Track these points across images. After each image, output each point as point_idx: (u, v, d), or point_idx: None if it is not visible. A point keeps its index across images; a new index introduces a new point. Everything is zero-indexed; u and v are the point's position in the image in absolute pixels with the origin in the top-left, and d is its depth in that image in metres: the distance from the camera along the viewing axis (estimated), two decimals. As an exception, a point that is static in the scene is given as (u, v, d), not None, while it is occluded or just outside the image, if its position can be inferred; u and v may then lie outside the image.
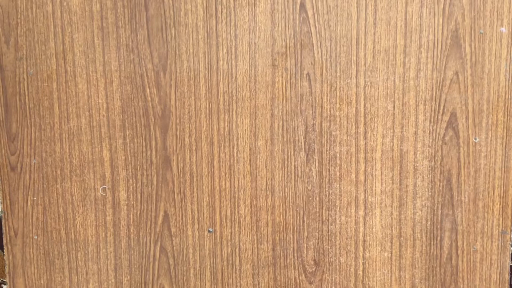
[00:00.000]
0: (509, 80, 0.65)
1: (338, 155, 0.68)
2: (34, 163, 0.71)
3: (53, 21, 0.68)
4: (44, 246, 0.73)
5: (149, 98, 0.69)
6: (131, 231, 0.72)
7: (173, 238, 0.71)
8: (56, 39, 0.69)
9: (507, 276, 0.68)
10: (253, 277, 0.71)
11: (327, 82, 0.67)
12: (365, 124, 0.67)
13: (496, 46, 0.64)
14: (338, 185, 0.68)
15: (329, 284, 0.70)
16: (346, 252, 0.69)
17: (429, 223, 0.68)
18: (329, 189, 0.68)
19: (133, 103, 0.69)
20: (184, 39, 0.67)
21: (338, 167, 0.68)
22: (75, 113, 0.70)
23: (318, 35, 0.66)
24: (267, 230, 0.70)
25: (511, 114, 0.65)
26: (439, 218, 0.68)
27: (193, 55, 0.68)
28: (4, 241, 0.73)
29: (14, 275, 0.74)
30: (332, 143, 0.68)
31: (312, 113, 0.68)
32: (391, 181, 0.68)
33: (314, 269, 0.70)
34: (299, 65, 0.67)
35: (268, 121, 0.68)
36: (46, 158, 0.71)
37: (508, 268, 0.68)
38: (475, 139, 0.66)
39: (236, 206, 0.70)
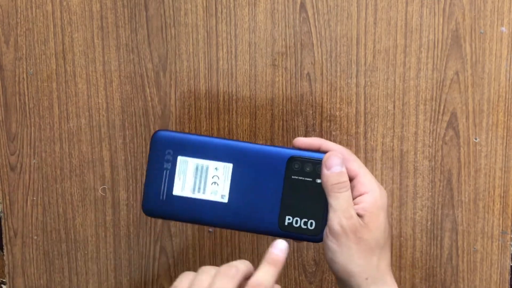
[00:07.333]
0: (509, 80, 0.65)
1: (338, 155, 0.68)
2: (34, 163, 0.71)
3: (52, 20, 0.68)
4: (44, 246, 0.73)
5: (149, 98, 0.69)
6: (131, 231, 0.72)
7: (173, 238, 0.71)
8: (56, 39, 0.69)
9: (507, 276, 0.68)
10: (253, 277, 0.71)
11: (327, 82, 0.67)
12: (365, 124, 0.67)
13: (496, 46, 0.64)
14: (338, 185, 0.67)
15: (329, 284, 0.70)
16: (346, 252, 0.69)
17: (429, 223, 0.68)
18: (329, 189, 0.68)
19: (133, 103, 0.69)
20: (184, 39, 0.67)
21: (338, 167, 0.67)
22: (75, 113, 0.70)
23: (318, 35, 0.66)
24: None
25: (511, 114, 0.65)
26: (439, 218, 0.68)
27: (193, 55, 0.68)
28: (4, 241, 0.73)
29: (14, 275, 0.74)
30: (332, 143, 0.67)
31: (312, 113, 0.67)
32: (391, 181, 0.67)
33: (314, 269, 0.70)
34: (299, 65, 0.67)
35: (268, 121, 0.68)
36: (46, 158, 0.71)
37: (508, 268, 0.68)
38: (476, 139, 0.66)
39: (236, 206, 0.70)
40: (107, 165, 0.71)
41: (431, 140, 0.67)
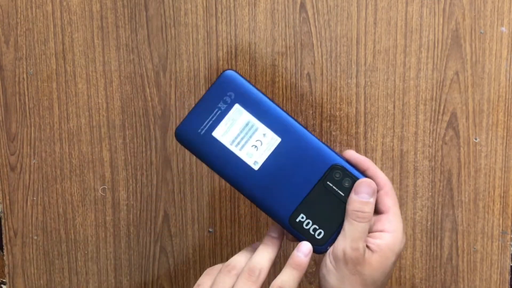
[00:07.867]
0: (509, 80, 0.65)
1: (338, 155, 0.68)
2: (34, 163, 0.71)
3: (53, 21, 0.68)
4: (44, 246, 0.73)
5: (149, 98, 0.69)
6: (131, 231, 0.72)
7: (173, 238, 0.71)
8: (56, 39, 0.69)
9: (507, 276, 0.68)
10: (253, 277, 0.71)
11: (327, 82, 0.67)
12: (365, 124, 0.67)
13: (496, 46, 0.64)
14: (338, 185, 0.67)
15: (329, 284, 0.70)
16: (346, 252, 0.69)
17: (429, 223, 0.68)
18: (329, 189, 0.68)
19: (133, 103, 0.69)
20: (184, 39, 0.67)
21: (338, 167, 0.67)
22: (75, 113, 0.70)
23: (318, 35, 0.66)
24: (267, 230, 0.70)
25: (511, 114, 0.65)
26: (439, 218, 0.68)
27: (193, 55, 0.68)
28: (4, 241, 0.73)
29: (14, 275, 0.74)
30: (332, 143, 0.68)
31: (312, 113, 0.67)
32: (391, 181, 0.67)
33: (314, 269, 0.70)
34: (299, 65, 0.67)
35: (268, 121, 0.68)
36: (46, 158, 0.71)
37: (508, 268, 0.68)
38: (476, 139, 0.66)
39: (236, 206, 0.70)
40: (107, 165, 0.71)
41: (431, 140, 0.67)
